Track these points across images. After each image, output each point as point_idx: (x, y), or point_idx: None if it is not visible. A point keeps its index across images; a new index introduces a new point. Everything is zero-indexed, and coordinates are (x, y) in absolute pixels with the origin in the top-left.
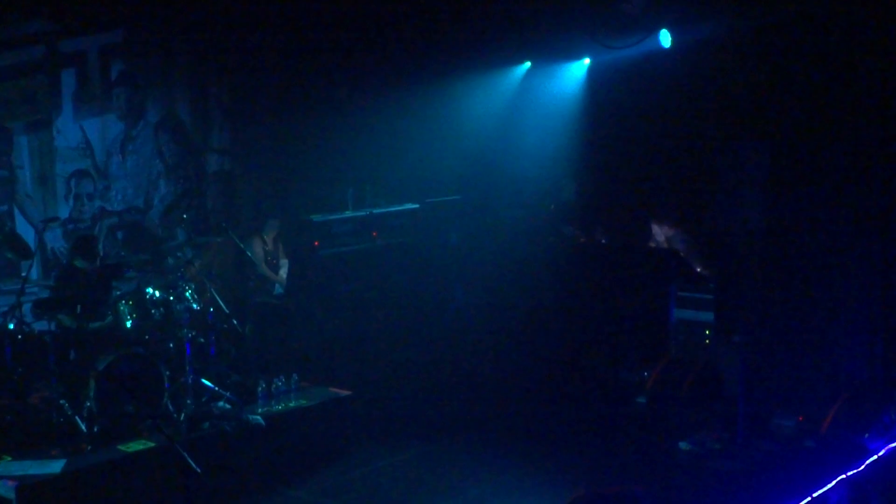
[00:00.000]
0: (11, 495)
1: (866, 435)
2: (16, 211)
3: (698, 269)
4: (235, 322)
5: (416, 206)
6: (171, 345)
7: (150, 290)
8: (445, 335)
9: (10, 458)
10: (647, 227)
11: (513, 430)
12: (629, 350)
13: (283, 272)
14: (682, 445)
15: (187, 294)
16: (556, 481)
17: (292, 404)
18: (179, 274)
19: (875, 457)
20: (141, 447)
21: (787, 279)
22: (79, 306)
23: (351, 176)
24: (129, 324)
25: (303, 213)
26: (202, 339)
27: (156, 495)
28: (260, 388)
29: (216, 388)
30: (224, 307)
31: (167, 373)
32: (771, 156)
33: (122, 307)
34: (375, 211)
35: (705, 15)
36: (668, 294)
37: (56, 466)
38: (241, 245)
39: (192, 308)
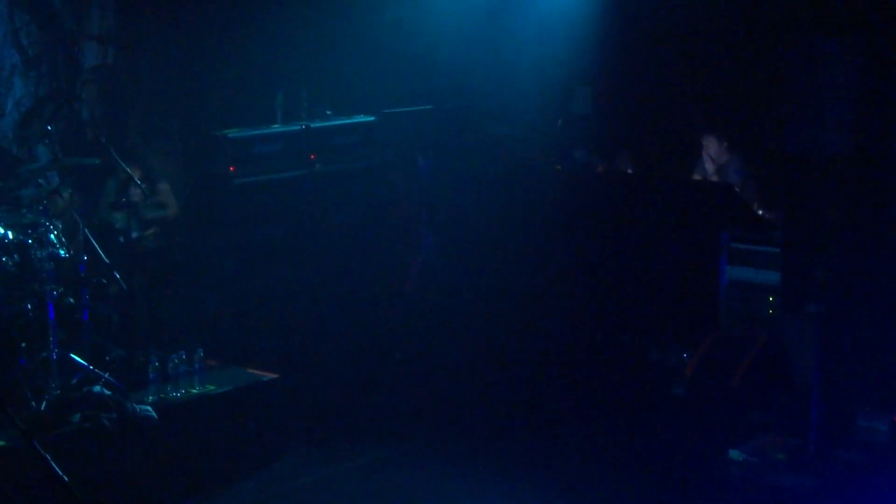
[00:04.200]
0: None
1: None
2: None
3: (760, 211)
4: (118, 276)
5: (371, 118)
6: (29, 306)
7: None
8: (410, 298)
9: None
10: (689, 151)
11: (503, 430)
12: (663, 323)
13: None
14: (735, 455)
15: (52, 237)
16: (561, 503)
17: (196, 390)
18: (41, 208)
19: None
20: None
21: (882, 226)
22: None
23: (280, 76)
24: None
25: (213, 126)
26: (72, 299)
27: None
28: (151, 368)
29: (91, 367)
30: (103, 255)
31: (23, 344)
32: (864, 55)
33: None
34: (314, 125)
35: None
36: (717, 245)
37: None
38: (129, 170)
39: (58, 256)
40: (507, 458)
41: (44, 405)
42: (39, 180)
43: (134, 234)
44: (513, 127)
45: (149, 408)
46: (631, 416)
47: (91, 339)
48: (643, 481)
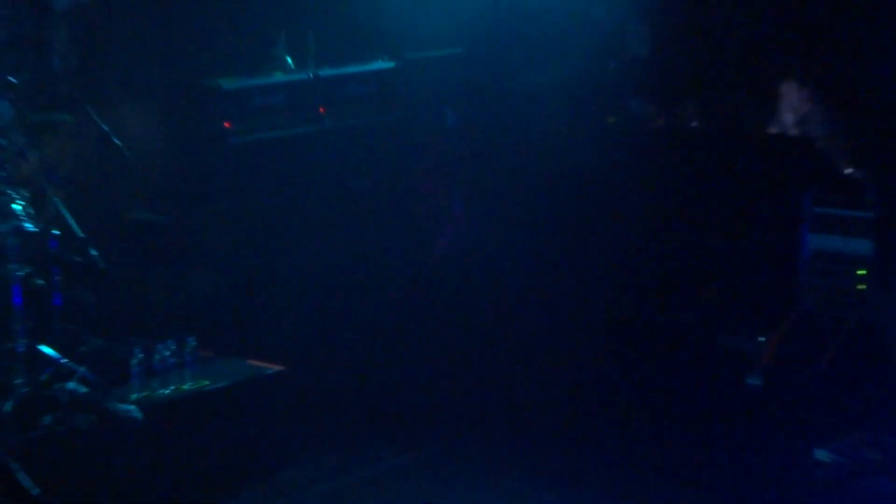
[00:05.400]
0: None
1: None
2: None
3: (849, 170)
4: (95, 253)
5: (391, 64)
6: None
7: None
8: (437, 275)
9: None
10: (765, 101)
11: (545, 429)
12: (735, 301)
13: None
14: (821, 455)
15: (17, 207)
16: None
17: (187, 386)
18: (4, 174)
19: None
20: None
21: None
22: None
23: (284, 17)
24: None
25: (205, 75)
26: (40, 281)
27: None
28: (135, 360)
29: (64, 360)
30: (77, 229)
31: None
32: None
33: None
34: (323, 73)
35: None
36: (798, 210)
37: None
38: (106, 128)
39: (23, 229)
40: (551, 460)
41: (9, 405)
42: (1, 141)
43: None
44: (556, 73)
45: (132, 407)
46: (698, 409)
47: (64, 328)
48: (713, 486)
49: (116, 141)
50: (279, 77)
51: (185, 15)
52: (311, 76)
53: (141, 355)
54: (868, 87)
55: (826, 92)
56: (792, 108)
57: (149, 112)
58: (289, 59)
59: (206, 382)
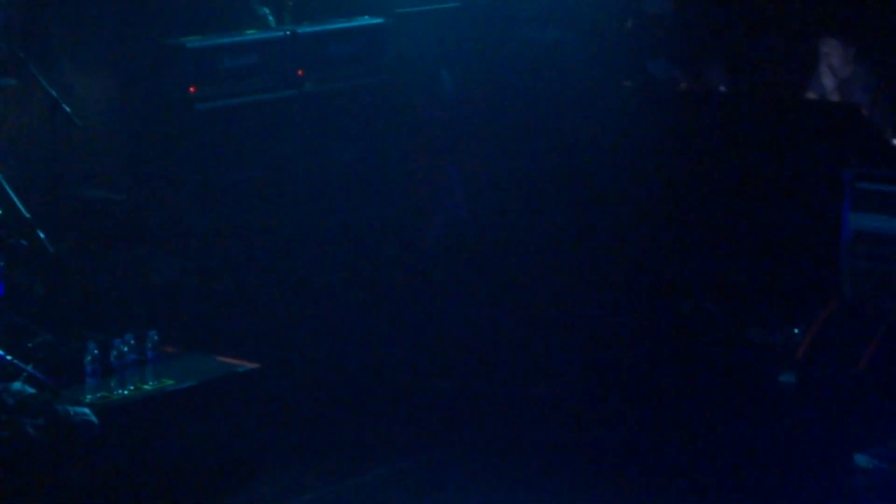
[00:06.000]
0: None
1: None
2: None
3: (894, 140)
4: (43, 236)
5: (379, 20)
6: None
7: None
8: (431, 261)
9: None
10: (802, 62)
11: (556, 430)
12: (766, 289)
13: None
14: (861, 460)
15: None
16: None
17: (148, 386)
18: None
19: None
20: None
21: None
22: None
23: None
24: None
25: (167, 32)
26: None
27: None
28: (89, 357)
29: (8, 357)
30: (22, 208)
31: None
32: None
33: None
34: (302, 30)
35: None
36: (838, 186)
37: None
38: (55, 94)
39: None
40: (564, 466)
41: None
42: None
43: None
44: (567, 30)
45: (86, 410)
46: (725, 410)
47: (8, 320)
48: (742, 492)
49: (66, 108)
50: (252, 35)
51: None
52: (289, 34)
53: (96, 351)
54: None
55: (871, 53)
56: (833, 70)
57: (103, 75)
58: (269, 16)
59: (170, 382)
